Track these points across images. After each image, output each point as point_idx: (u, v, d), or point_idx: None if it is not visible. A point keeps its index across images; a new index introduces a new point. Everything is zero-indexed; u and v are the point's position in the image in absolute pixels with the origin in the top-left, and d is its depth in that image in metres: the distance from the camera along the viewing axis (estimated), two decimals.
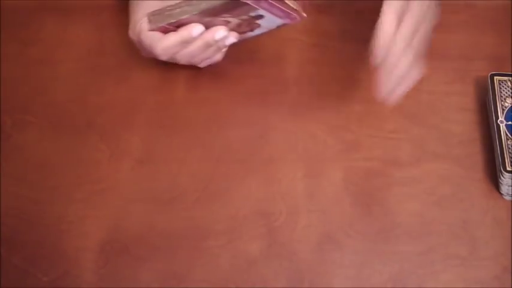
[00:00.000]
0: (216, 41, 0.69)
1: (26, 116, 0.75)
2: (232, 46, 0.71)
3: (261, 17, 0.69)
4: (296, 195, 0.69)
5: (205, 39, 0.69)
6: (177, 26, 0.69)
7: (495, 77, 0.72)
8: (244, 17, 0.68)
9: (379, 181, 0.69)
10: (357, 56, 0.78)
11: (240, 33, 0.71)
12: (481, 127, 0.73)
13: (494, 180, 0.69)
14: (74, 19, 0.82)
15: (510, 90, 0.72)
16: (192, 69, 0.75)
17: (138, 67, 0.77)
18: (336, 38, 0.79)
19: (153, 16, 0.69)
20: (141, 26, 0.70)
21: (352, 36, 0.79)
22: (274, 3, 0.67)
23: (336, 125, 0.73)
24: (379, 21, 0.62)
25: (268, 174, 0.70)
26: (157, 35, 0.70)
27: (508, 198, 0.68)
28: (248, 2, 0.65)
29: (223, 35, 0.69)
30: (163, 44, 0.69)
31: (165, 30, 0.69)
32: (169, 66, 0.75)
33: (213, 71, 0.75)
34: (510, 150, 0.67)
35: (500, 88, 0.72)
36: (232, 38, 0.70)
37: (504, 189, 0.67)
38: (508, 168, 0.66)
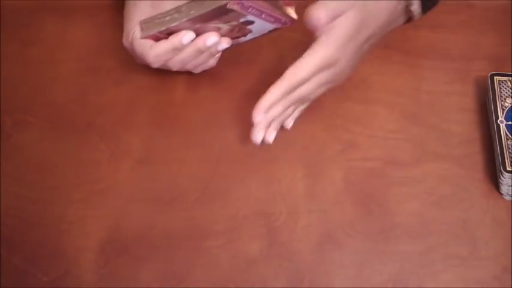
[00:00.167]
0: (208, 47, 0.70)
1: (26, 116, 0.75)
2: (230, 48, 0.71)
3: (251, 22, 0.69)
4: (296, 195, 0.69)
5: (197, 46, 0.70)
6: (168, 33, 0.69)
7: (495, 77, 0.72)
8: (234, 23, 0.69)
9: (379, 181, 0.69)
10: None
11: (232, 38, 0.71)
12: (481, 127, 0.73)
13: (494, 180, 0.69)
14: (74, 19, 0.82)
15: (510, 90, 0.72)
16: None
17: (138, 67, 0.77)
18: None
19: (145, 24, 0.70)
20: (134, 34, 0.71)
21: None
22: (262, 9, 0.67)
23: (336, 125, 0.73)
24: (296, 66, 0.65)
25: (268, 174, 0.70)
26: (149, 42, 0.70)
27: (508, 198, 0.68)
28: (235, 8, 0.65)
29: (214, 41, 0.69)
30: (155, 52, 0.70)
31: (157, 38, 0.70)
32: None
33: (212, 72, 0.75)
34: (510, 150, 0.67)
35: (500, 88, 0.72)
36: (225, 43, 0.70)
37: (504, 189, 0.67)
38: (508, 168, 0.66)
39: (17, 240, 0.67)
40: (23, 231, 0.67)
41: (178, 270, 0.65)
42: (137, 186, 0.70)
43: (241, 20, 0.68)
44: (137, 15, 0.71)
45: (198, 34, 0.69)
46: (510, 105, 0.71)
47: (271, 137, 0.68)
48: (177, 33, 0.69)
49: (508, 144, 0.68)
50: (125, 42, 0.72)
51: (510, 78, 0.72)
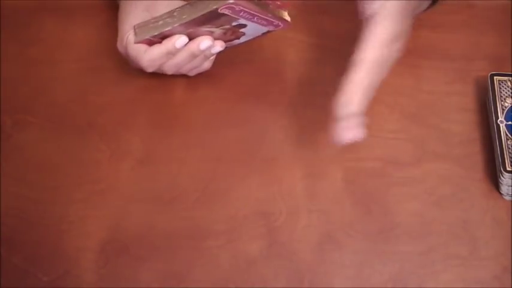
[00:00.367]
0: (202, 51, 0.70)
1: (26, 116, 0.75)
2: (224, 51, 0.72)
3: (243, 26, 0.69)
4: (296, 195, 0.69)
5: (191, 50, 0.70)
6: (162, 37, 0.69)
7: (495, 77, 0.72)
8: (227, 26, 0.69)
9: (379, 181, 0.69)
10: None
11: (225, 41, 0.71)
12: (481, 127, 0.73)
13: (494, 180, 0.69)
14: (74, 19, 0.82)
15: (510, 90, 0.72)
16: None
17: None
18: (336, 38, 0.79)
19: (139, 28, 0.70)
20: (128, 39, 0.71)
21: (352, 36, 0.79)
22: (254, 13, 0.67)
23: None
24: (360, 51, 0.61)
25: (268, 174, 0.70)
26: (143, 47, 0.70)
27: (508, 198, 0.68)
28: (226, 12, 0.65)
29: (208, 44, 0.69)
30: (149, 56, 0.70)
31: (150, 43, 0.70)
32: None
33: (212, 72, 0.75)
34: (510, 150, 0.67)
35: (500, 88, 0.72)
36: (218, 46, 0.70)
37: (504, 189, 0.67)
38: (508, 168, 0.66)
39: (17, 240, 0.67)
40: (23, 231, 0.67)
41: (178, 270, 0.65)
42: (137, 186, 0.70)
43: (234, 23, 0.68)
44: (131, 19, 0.71)
45: (191, 38, 0.69)
46: (510, 105, 0.71)
47: (361, 132, 0.62)
48: (171, 38, 0.69)
49: (508, 144, 0.68)
50: (119, 46, 0.72)
51: (510, 78, 0.72)
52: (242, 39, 0.73)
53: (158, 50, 0.70)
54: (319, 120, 0.73)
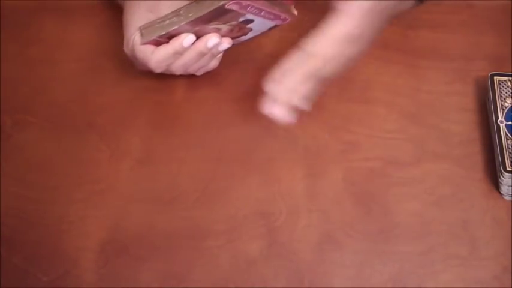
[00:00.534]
0: (210, 49, 0.69)
1: (26, 116, 0.75)
2: (230, 48, 0.71)
3: (250, 21, 0.69)
4: (296, 195, 0.69)
5: (198, 49, 0.69)
6: (169, 37, 0.69)
7: (495, 77, 0.72)
8: (234, 22, 0.69)
9: (379, 181, 0.69)
10: None
11: (232, 38, 0.71)
12: (481, 127, 0.73)
13: (494, 180, 0.69)
14: (74, 19, 0.82)
15: (510, 90, 0.72)
16: None
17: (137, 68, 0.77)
18: None
19: (145, 29, 0.70)
20: (134, 41, 0.70)
21: None
22: (261, 7, 0.67)
23: (336, 125, 0.73)
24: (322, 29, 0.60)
25: (268, 174, 0.70)
26: (150, 48, 0.70)
27: (508, 198, 0.68)
28: (234, 8, 0.65)
29: (215, 42, 0.69)
30: (156, 57, 0.70)
31: (157, 43, 0.70)
32: None
33: (213, 72, 0.75)
34: (510, 150, 0.67)
35: (500, 88, 0.72)
36: (226, 44, 0.70)
37: (504, 189, 0.67)
38: (508, 168, 0.66)
39: (17, 240, 0.67)
40: (23, 231, 0.67)
41: (178, 270, 0.65)
42: (137, 186, 0.70)
43: (241, 19, 0.68)
44: (136, 20, 0.71)
45: (198, 36, 0.69)
46: (510, 105, 0.71)
47: (291, 115, 0.63)
48: (178, 37, 0.68)
49: (508, 144, 0.68)
50: (126, 49, 0.72)
51: (510, 78, 0.72)
52: (249, 35, 0.73)
53: (166, 50, 0.69)
54: (319, 120, 0.73)
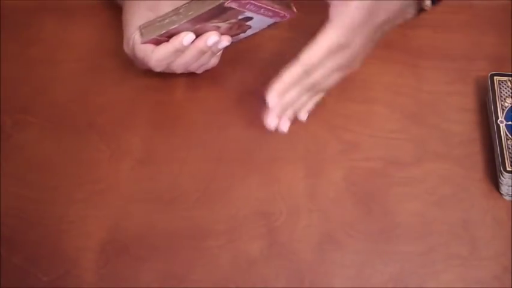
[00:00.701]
0: (209, 47, 0.69)
1: (26, 116, 0.75)
2: (230, 47, 0.71)
3: (249, 18, 0.69)
4: (296, 195, 0.69)
5: (198, 47, 0.69)
6: (169, 36, 0.69)
7: (495, 77, 0.72)
8: (233, 20, 0.69)
9: (379, 181, 0.69)
10: None
11: (232, 36, 0.71)
12: (481, 127, 0.73)
13: (494, 180, 0.69)
14: (74, 19, 0.82)
15: (510, 90, 0.72)
16: None
17: (138, 67, 0.77)
18: None
19: (145, 29, 0.70)
20: (134, 40, 0.70)
21: None
22: (260, 4, 0.67)
23: (337, 125, 0.73)
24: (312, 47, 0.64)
25: (268, 174, 0.70)
26: (150, 47, 0.70)
27: (508, 198, 0.68)
28: (233, 6, 0.65)
29: (215, 40, 0.69)
30: (157, 56, 0.70)
31: (157, 42, 0.70)
32: None
33: (213, 72, 0.75)
34: (510, 150, 0.67)
35: (500, 88, 0.72)
36: (225, 41, 0.70)
37: (504, 189, 0.67)
38: (508, 168, 0.66)
39: (17, 240, 0.67)
40: (23, 231, 0.67)
41: (178, 270, 0.65)
42: (137, 186, 0.70)
43: (240, 17, 0.68)
44: (136, 20, 0.71)
45: (198, 34, 0.69)
46: (510, 105, 0.71)
47: (285, 126, 0.68)
48: (178, 35, 0.69)
49: (508, 144, 0.68)
50: (126, 48, 0.72)
51: (510, 78, 0.72)
52: (248, 33, 0.73)
53: (166, 48, 0.69)
54: (319, 120, 0.73)
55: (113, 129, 0.73)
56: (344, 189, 0.69)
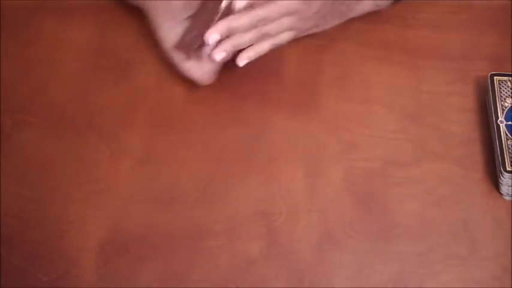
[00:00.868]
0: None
1: (26, 116, 0.75)
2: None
3: None
4: (296, 195, 0.69)
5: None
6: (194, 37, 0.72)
7: (495, 77, 0.72)
8: None
9: (379, 181, 0.69)
10: (357, 56, 0.78)
11: None
12: (481, 127, 0.73)
13: (494, 180, 0.69)
14: (74, 19, 0.82)
15: (510, 90, 0.72)
16: None
17: (138, 67, 0.77)
18: (336, 38, 0.79)
19: (181, 48, 0.73)
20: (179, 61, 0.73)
21: (352, 36, 0.79)
22: None
23: (336, 125, 0.73)
24: None
25: (268, 174, 0.70)
26: (194, 64, 0.73)
27: (508, 198, 0.68)
28: None
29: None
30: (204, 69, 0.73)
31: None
32: (169, 66, 0.75)
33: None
34: (510, 150, 0.67)
35: (500, 88, 0.72)
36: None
37: (504, 189, 0.67)
38: (508, 168, 0.66)
39: (17, 240, 0.67)
40: (23, 231, 0.67)
41: (178, 270, 0.65)
42: (137, 186, 0.70)
43: None
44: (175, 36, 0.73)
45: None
46: (510, 105, 0.71)
47: (219, 56, 0.70)
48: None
49: (508, 144, 0.68)
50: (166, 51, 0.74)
51: (510, 78, 0.72)
52: None
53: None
54: (319, 120, 0.73)
55: (112, 129, 0.73)
56: (343, 189, 0.69)
